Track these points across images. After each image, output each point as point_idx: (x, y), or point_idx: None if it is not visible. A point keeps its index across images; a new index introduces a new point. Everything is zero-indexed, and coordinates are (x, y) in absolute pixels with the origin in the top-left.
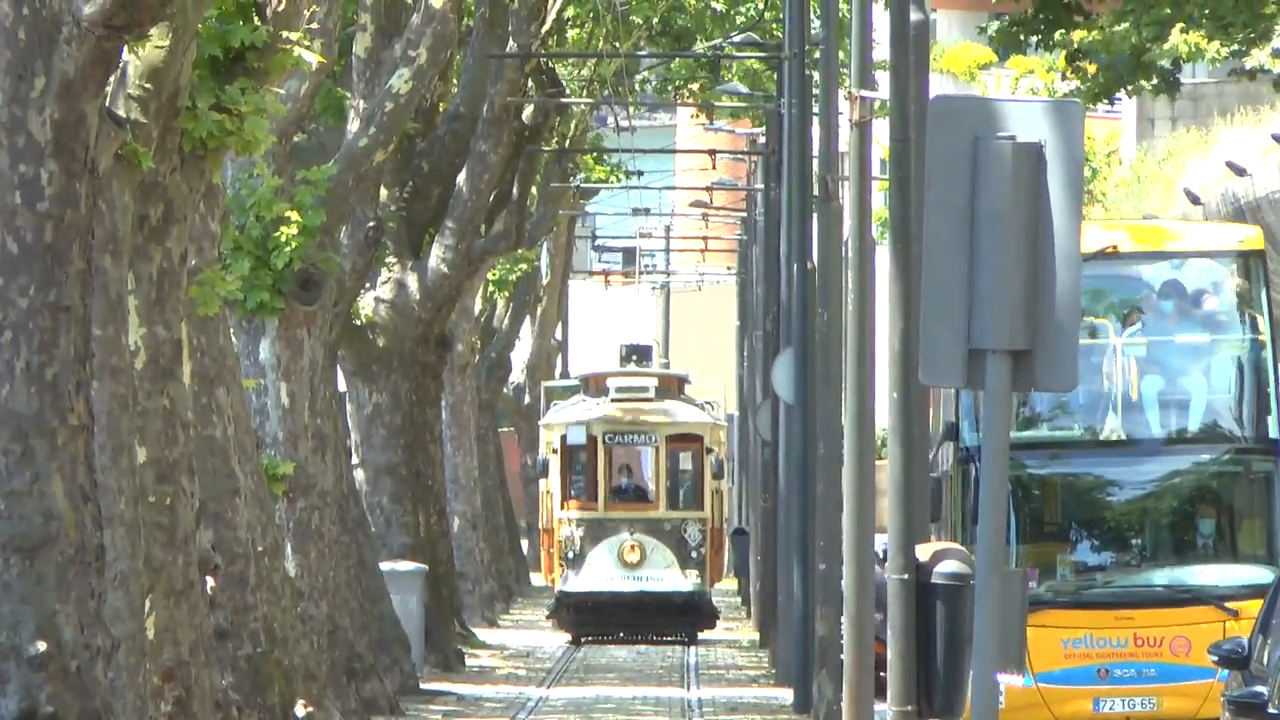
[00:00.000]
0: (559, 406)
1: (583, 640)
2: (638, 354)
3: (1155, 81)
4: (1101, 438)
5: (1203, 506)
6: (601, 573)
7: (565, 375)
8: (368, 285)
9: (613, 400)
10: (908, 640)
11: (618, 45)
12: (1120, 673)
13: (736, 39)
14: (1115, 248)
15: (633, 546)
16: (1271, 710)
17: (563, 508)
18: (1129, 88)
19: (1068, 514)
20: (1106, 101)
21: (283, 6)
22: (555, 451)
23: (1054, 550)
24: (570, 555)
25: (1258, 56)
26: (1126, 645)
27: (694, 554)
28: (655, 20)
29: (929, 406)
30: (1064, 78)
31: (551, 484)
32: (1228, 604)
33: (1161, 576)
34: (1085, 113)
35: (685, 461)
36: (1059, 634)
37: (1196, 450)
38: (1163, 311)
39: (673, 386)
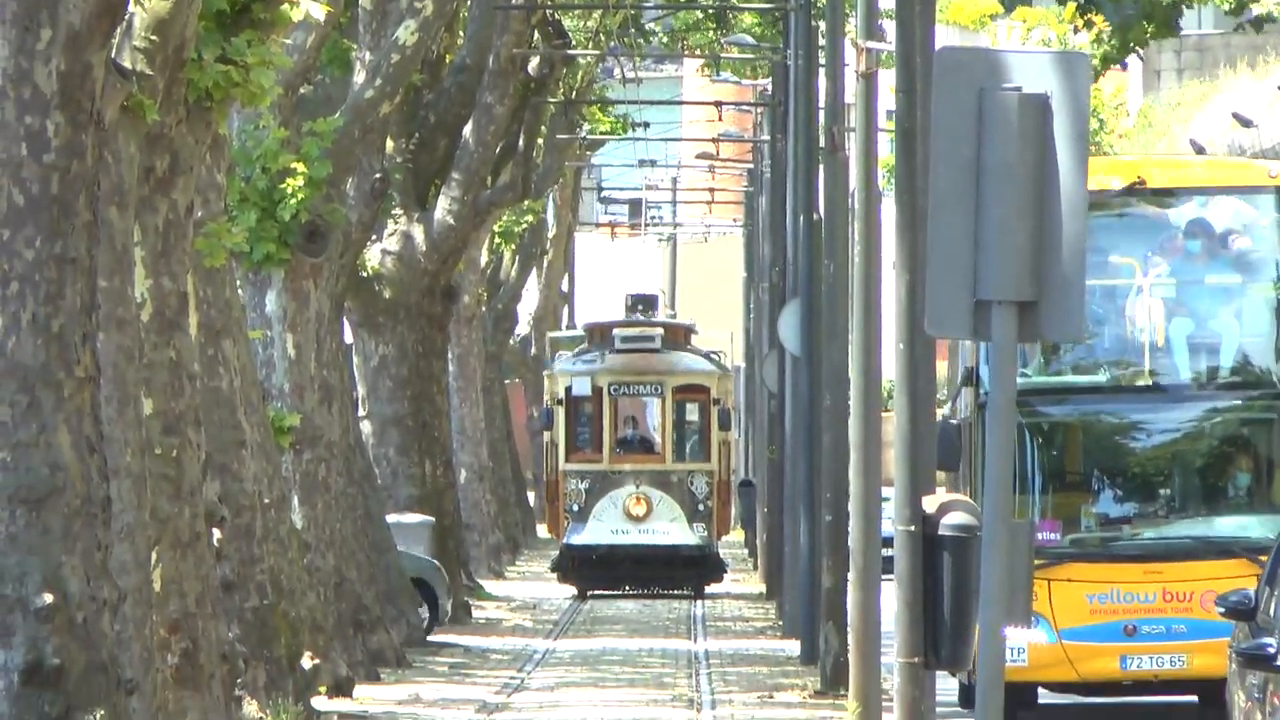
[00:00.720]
0: (563, 357)
1: (588, 594)
2: (643, 304)
3: (1153, 26)
4: (1128, 383)
5: (1234, 454)
6: (607, 526)
7: (571, 327)
8: (374, 237)
9: (618, 350)
10: (914, 592)
11: None
12: (1148, 629)
13: None
14: (1142, 181)
15: (638, 499)
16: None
17: (567, 460)
18: (1139, 49)
19: (1092, 463)
20: (1119, 66)
21: None
22: (560, 403)
23: (1078, 501)
24: (575, 508)
25: (1266, 3)
26: (1155, 600)
27: (701, 506)
28: None
29: (944, 354)
30: (1075, 31)
31: (556, 436)
32: (1261, 556)
33: (1191, 528)
34: (1092, 65)
35: (692, 413)
36: (1084, 589)
37: (1227, 396)
38: (1191, 252)
39: (679, 336)
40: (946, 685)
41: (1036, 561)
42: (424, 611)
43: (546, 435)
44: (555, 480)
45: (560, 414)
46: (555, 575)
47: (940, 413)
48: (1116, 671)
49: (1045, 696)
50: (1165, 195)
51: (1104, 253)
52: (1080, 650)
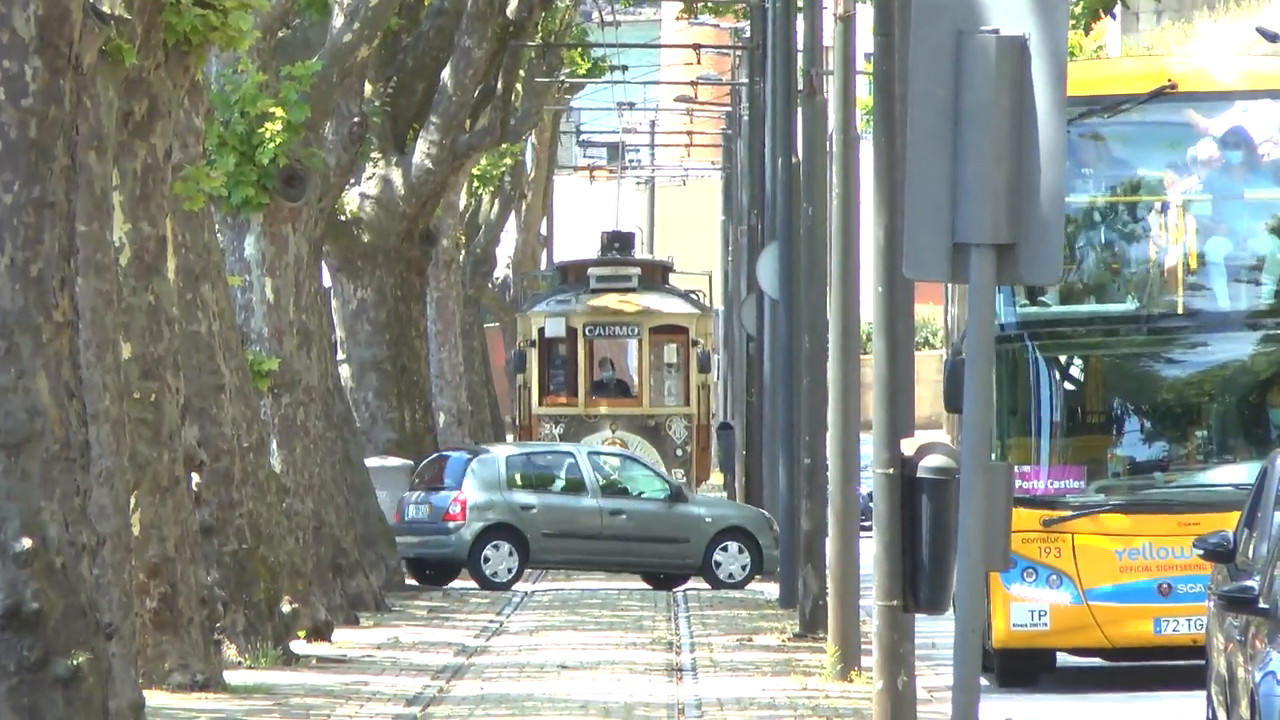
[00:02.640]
0: (536, 297)
1: None
2: (620, 242)
3: None
4: (1158, 311)
5: (1278, 390)
6: None
7: (550, 268)
8: (352, 181)
9: (593, 290)
10: (893, 535)
11: None
12: (1185, 588)
13: None
14: (1173, 84)
15: (615, 444)
16: (1262, 605)
17: (541, 404)
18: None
19: (1120, 402)
20: (1106, 14)
21: None
22: (532, 345)
23: (1104, 445)
24: None
25: None
26: (1192, 556)
27: (679, 451)
28: None
29: (924, 298)
30: None
31: (529, 379)
32: None
33: (1231, 474)
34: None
35: (670, 354)
36: (1112, 543)
37: (1269, 324)
38: (1228, 163)
39: (656, 275)
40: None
41: (1059, 514)
42: (746, 559)
43: (519, 378)
44: (529, 425)
45: (533, 356)
46: None
47: (944, 353)
48: (1149, 636)
49: (1064, 658)
50: (1199, 100)
51: (1130, 165)
52: (1109, 612)
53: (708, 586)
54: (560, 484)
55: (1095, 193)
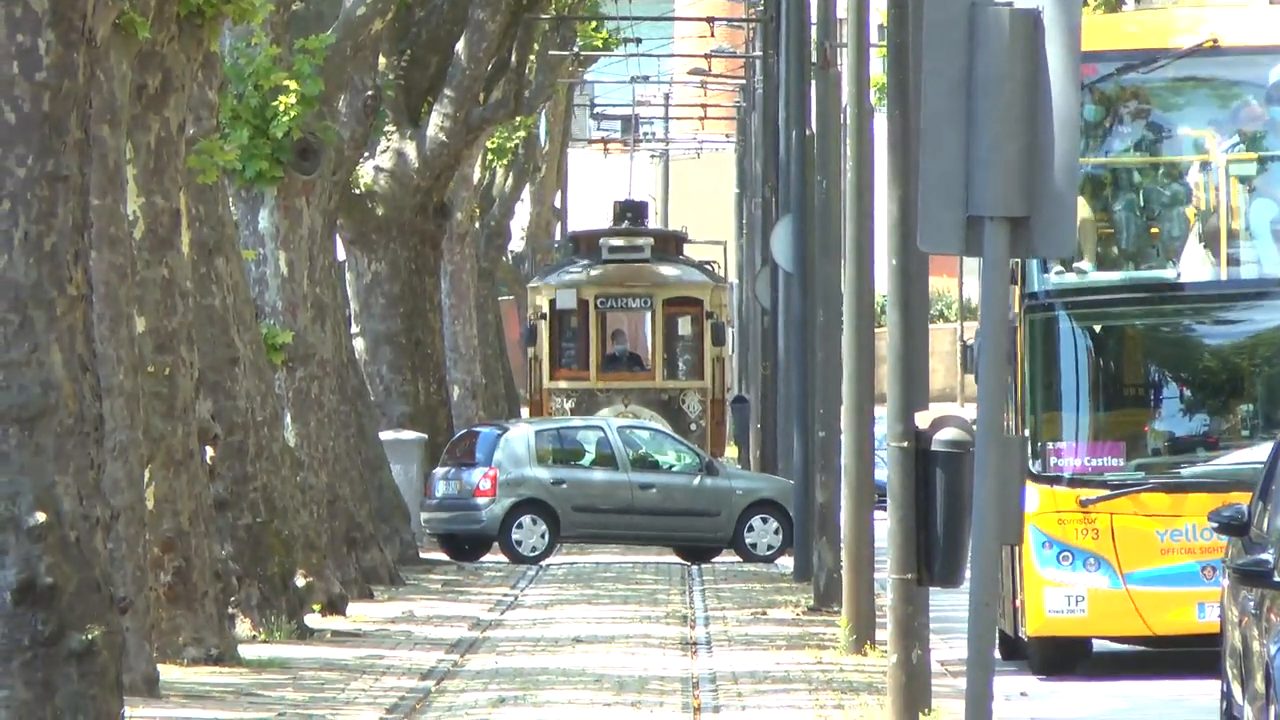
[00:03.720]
0: (547, 268)
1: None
2: (632, 212)
3: None
4: (1201, 278)
5: None
6: None
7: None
8: (366, 154)
9: (605, 261)
10: (907, 508)
11: None
12: None
13: None
14: (1215, 39)
15: (628, 418)
16: (1277, 578)
17: (552, 378)
18: None
19: (1160, 375)
20: None
21: None
22: (543, 317)
23: (1143, 419)
24: None
25: None
26: None
27: (693, 426)
28: None
29: (938, 271)
30: None
31: (540, 352)
32: None
33: None
34: None
35: (684, 326)
36: (1153, 524)
37: None
38: (1274, 121)
39: (670, 246)
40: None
41: (1095, 493)
42: (778, 532)
43: (530, 351)
44: (539, 400)
45: (544, 329)
46: None
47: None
48: (1193, 622)
49: (1101, 643)
50: (1242, 55)
51: (1169, 125)
52: (1150, 598)
53: (739, 559)
54: (590, 458)
55: (1133, 153)
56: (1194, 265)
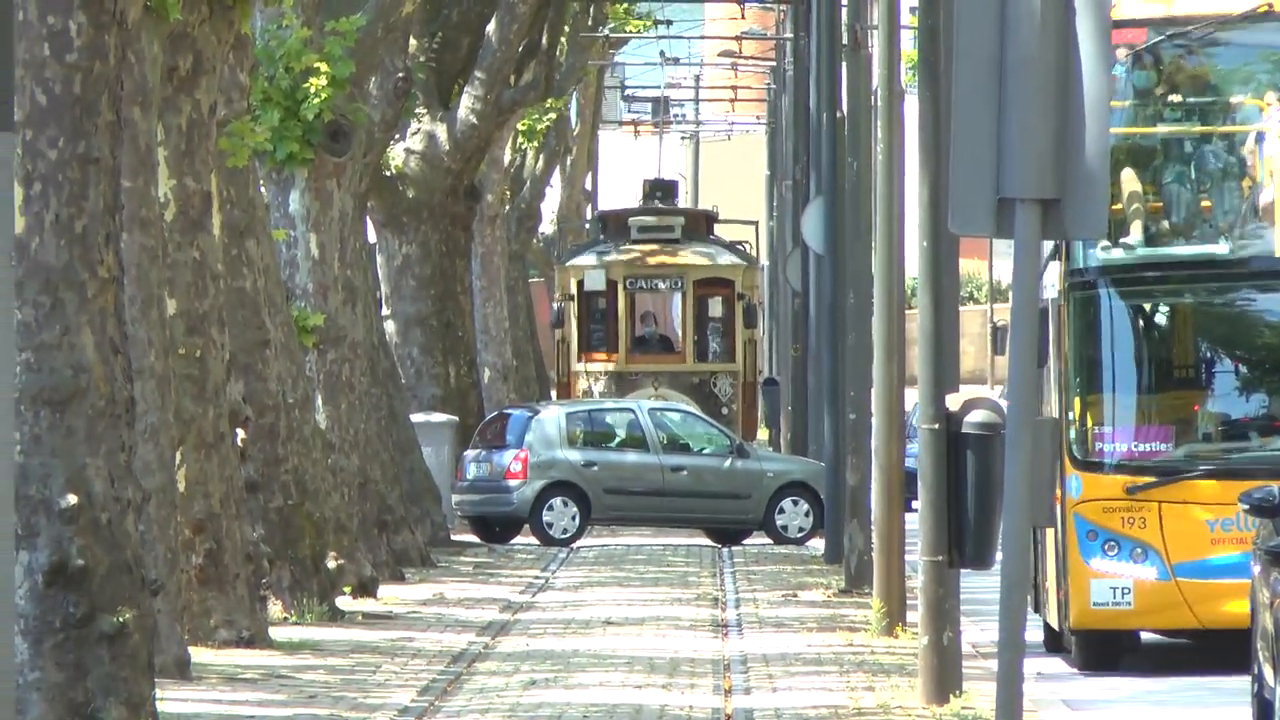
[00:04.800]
0: (575, 248)
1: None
2: (662, 191)
3: None
4: (1254, 254)
5: None
6: None
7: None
8: (397, 136)
9: (635, 241)
10: (938, 490)
11: None
12: None
13: None
14: (1270, 4)
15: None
16: None
17: (580, 360)
18: None
19: (1211, 355)
20: None
21: None
22: (571, 299)
23: (1194, 402)
24: None
25: None
26: None
27: (724, 410)
28: None
29: (969, 254)
30: None
31: (568, 334)
32: None
33: None
34: None
35: (715, 308)
36: (1203, 513)
37: None
38: None
39: (700, 225)
40: (1032, 628)
41: (1143, 480)
42: (809, 514)
43: (558, 333)
44: (567, 382)
45: (571, 310)
46: None
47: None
48: (1245, 615)
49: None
50: None
51: (1221, 93)
52: (1199, 590)
53: (770, 541)
54: (621, 440)
55: (1183, 122)
56: (1247, 240)
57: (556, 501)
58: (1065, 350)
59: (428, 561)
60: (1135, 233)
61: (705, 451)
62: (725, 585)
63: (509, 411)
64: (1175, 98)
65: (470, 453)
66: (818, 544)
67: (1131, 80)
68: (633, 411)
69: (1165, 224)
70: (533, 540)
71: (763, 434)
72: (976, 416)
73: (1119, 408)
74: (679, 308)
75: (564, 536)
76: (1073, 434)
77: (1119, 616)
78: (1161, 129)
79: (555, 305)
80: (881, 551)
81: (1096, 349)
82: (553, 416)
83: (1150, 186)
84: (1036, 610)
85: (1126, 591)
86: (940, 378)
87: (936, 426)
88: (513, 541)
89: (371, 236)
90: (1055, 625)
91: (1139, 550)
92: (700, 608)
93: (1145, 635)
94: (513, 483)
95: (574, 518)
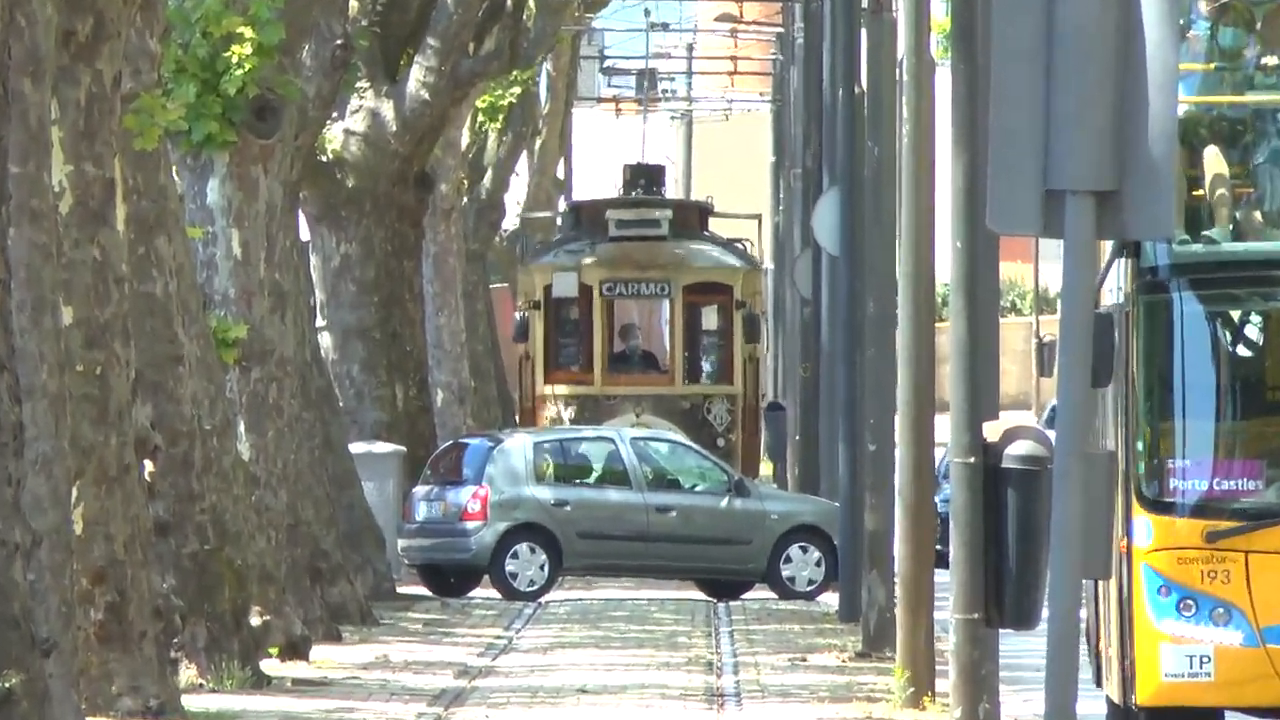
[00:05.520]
0: (543, 247)
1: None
2: (646, 178)
3: None
4: None
5: None
6: None
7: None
8: (335, 115)
9: (613, 238)
10: (974, 536)
11: None
12: None
13: None
14: None
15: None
16: None
17: (548, 381)
18: None
19: None
20: None
21: None
22: (537, 306)
23: None
24: None
25: None
26: None
27: (720, 441)
28: None
29: (1010, 255)
30: None
31: (533, 349)
32: None
33: None
34: None
35: (709, 319)
36: None
37: None
38: None
39: (692, 219)
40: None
41: (1226, 525)
42: (820, 563)
43: (521, 348)
44: (532, 407)
45: (537, 321)
46: None
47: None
48: None
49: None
50: None
51: None
52: None
53: (774, 595)
54: (599, 476)
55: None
56: None
57: (522, 548)
58: (1132, 367)
59: (369, 618)
60: (1220, 224)
61: (698, 489)
62: (721, 647)
63: (466, 441)
64: (1270, 59)
65: (420, 489)
66: (831, 599)
67: (1216, 39)
68: (612, 441)
69: (1257, 213)
70: (494, 593)
71: (766, 469)
72: (1020, 448)
73: (1199, 437)
74: (666, 318)
75: (531, 589)
76: (1141, 468)
77: (1197, 691)
78: (1253, 97)
79: (518, 315)
80: (906, 608)
81: (1171, 365)
82: (518, 447)
83: (1239, 168)
84: (1098, 683)
85: (1206, 660)
86: (976, 402)
87: (972, 460)
88: (470, 594)
89: (305, 233)
90: (1119, 700)
91: (1221, 610)
92: (692, 674)
93: (1230, 715)
94: (471, 525)
95: (543, 567)
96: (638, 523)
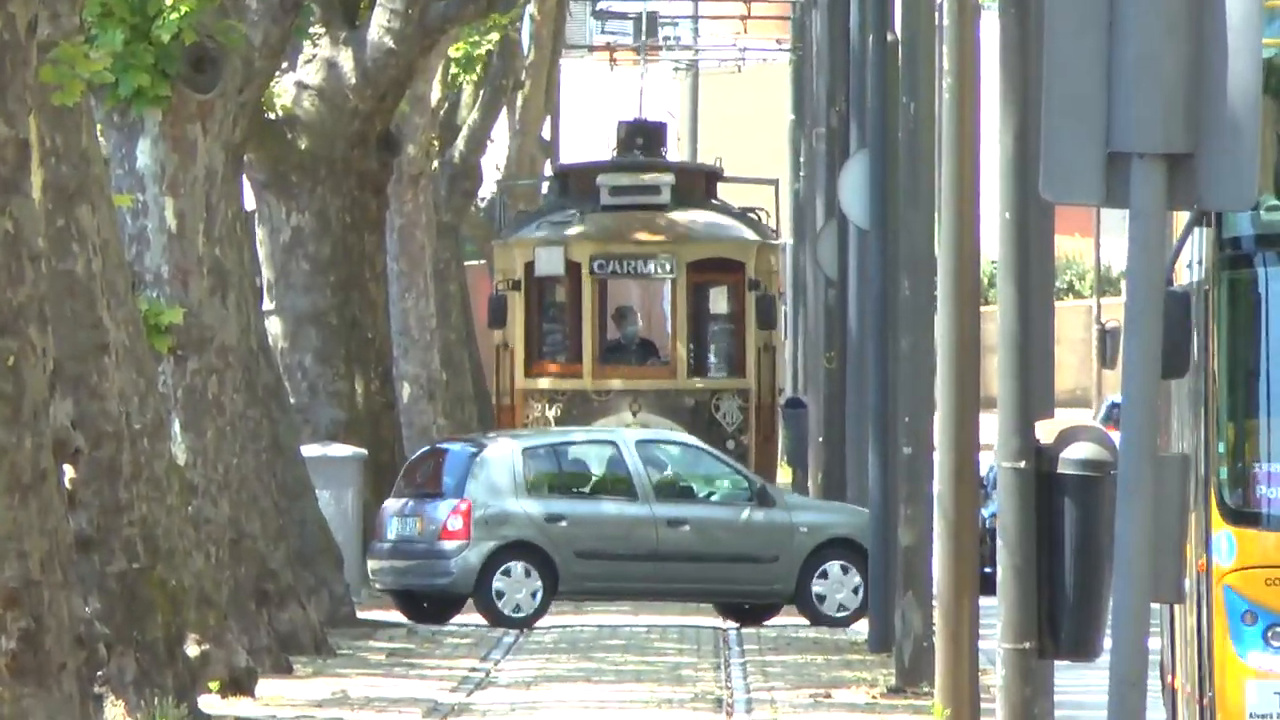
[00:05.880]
0: (523, 217)
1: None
2: (644, 137)
3: None
4: None
5: None
6: None
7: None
8: (285, 65)
9: (605, 208)
10: (1025, 553)
11: None
12: None
13: None
14: None
15: None
16: None
17: (529, 374)
18: None
19: None
20: None
21: None
22: (517, 287)
23: None
24: None
25: None
26: None
27: (731, 443)
28: None
29: (1067, 228)
30: None
31: (512, 337)
32: None
33: None
34: None
35: (718, 301)
36: None
37: None
38: None
39: (698, 185)
40: None
41: None
42: (857, 584)
43: (497, 335)
44: (510, 404)
45: (517, 304)
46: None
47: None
48: None
49: None
50: None
51: None
52: None
53: (805, 621)
54: (598, 485)
55: None
56: None
57: (516, 568)
58: (1213, 355)
59: (324, 647)
60: None
61: (714, 499)
62: (732, 681)
63: (444, 446)
64: None
65: (393, 504)
66: (861, 626)
67: None
68: (614, 445)
69: None
70: (473, 618)
71: (784, 475)
72: (1078, 451)
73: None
74: (667, 301)
75: (521, 615)
76: (1223, 473)
77: None
78: None
79: (495, 295)
80: (946, 636)
81: (1259, 352)
82: (505, 453)
83: None
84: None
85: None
86: (1028, 399)
87: (1023, 465)
88: (452, 621)
89: (250, 203)
90: None
91: None
92: (698, 712)
93: None
94: (451, 544)
95: (535, 592)
96: (645, 539)
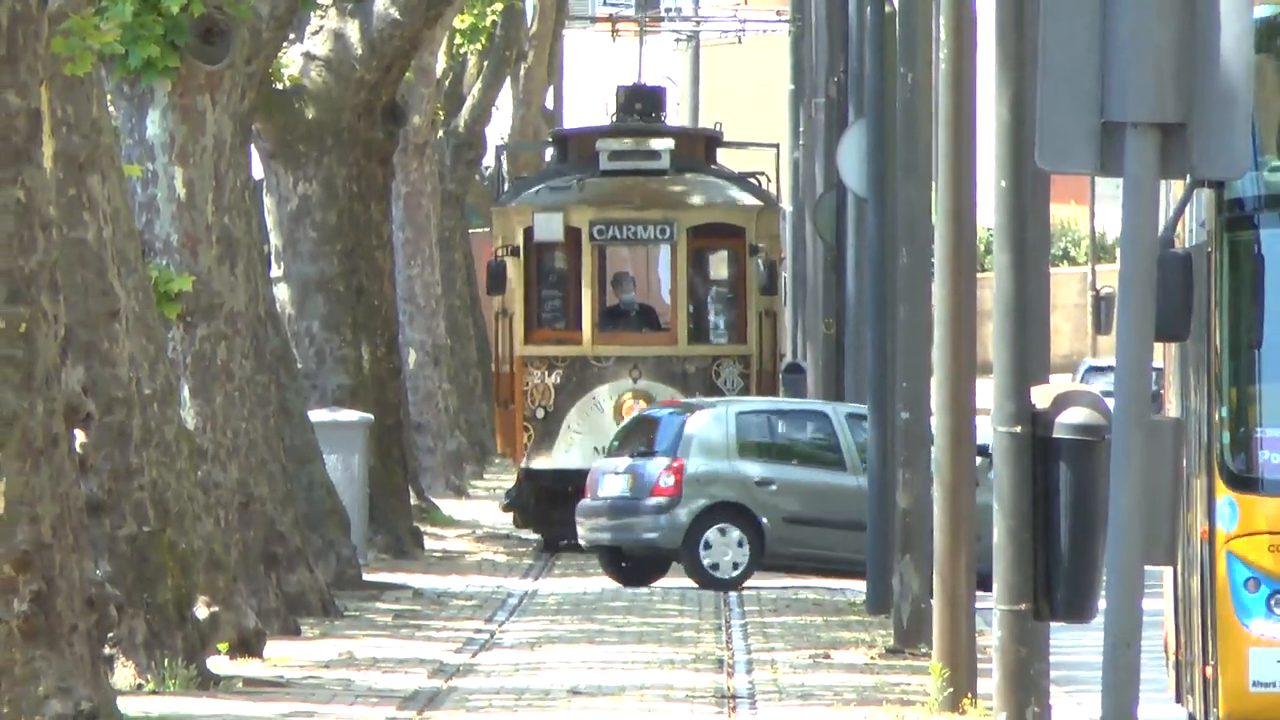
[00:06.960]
0: (521, 183)
1: (560, 544)
2: (644, 102)
3: None
4: None
5: None
6: (589, 441)
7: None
8: (292, 36)
9: (604, 173)
10: (1020, 516)
11: None
12: None
13: None
14: None
15: (636, 399)
16: None
17: (528, 341)
18: None
19: None
20: None
21: None
22: (515, 253)
23: None
24: (540, 414)
25: None
26: None
27: None
28: None
29: (1062, 197)
30: None
31: (510, 303)
32: None
33: None
34: None
35: (719, 267)
36: None
37: None
38: None
39: (698, 150)
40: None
41: None
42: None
43: (496, 302)
44: (510, 372)
45: (516, 270)
46: (512, 515)
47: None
48: None
49: None
50: None
51: None
52: None
53: (795, 583)
54: (808, 453)
55: None
56: None
57: (720, 528)
58: (1215, 318)
59: (331, 609)
60: None
61: None
62: (733, 642)
63: (654, 414)
64: None
65: (605, 463)
66: (856, 587)
67: None
68: (825, 414)
69: None
70: (481, 582)
71: None
72: (1073, 416)
73: None
74: (667, 266)
75: (728, 575)
76: (1225, 439)
77: None
78: None
79: (494, 261)
80: (944, 598)
81: (1262, 315)
82: (719, 416)
83: None
84: (1179, 699)
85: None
86: (1024, 364)
87: (1019, 430)
88: (657, 583)
89: (258, 172)
90: (1199, 715)
91: None
92: (699, 673)
93: None
94: (661, 501)
95: (742, 551)
96: (853, 510)
